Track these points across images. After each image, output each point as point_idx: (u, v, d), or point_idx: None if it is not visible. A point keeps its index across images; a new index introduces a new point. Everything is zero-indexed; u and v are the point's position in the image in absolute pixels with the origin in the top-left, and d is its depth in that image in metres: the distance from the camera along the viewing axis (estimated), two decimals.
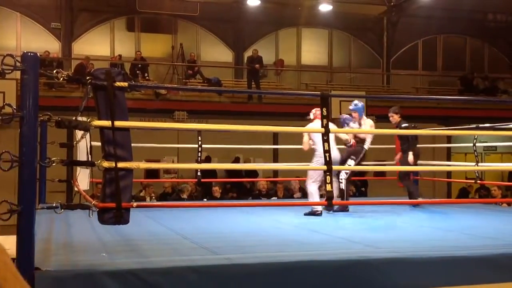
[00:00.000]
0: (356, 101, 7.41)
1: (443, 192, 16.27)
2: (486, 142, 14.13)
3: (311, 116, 7.05)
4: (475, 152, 8.17)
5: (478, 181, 9.82)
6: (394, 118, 7.93)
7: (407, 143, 7.73)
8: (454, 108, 16.50)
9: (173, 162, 14.48)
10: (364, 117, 7.44)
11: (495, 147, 18.72)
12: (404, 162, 7.65)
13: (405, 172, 7.98)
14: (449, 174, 14.78)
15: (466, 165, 9.90)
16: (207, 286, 3.46)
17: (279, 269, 3.60)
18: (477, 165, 8.32)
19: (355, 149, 7.25)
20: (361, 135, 7.28)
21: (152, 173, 14.03)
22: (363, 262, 3.76)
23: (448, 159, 15.16)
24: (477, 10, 19.16)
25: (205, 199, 10.28)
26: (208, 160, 13.87)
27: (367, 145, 7.31)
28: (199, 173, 8.71)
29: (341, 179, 7.13)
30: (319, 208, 6.68)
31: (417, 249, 4.15)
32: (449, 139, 15.97)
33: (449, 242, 4.65)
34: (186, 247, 4.33)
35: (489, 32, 19.92)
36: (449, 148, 15.55)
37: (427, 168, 9.87)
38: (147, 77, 15.89)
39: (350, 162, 7.21)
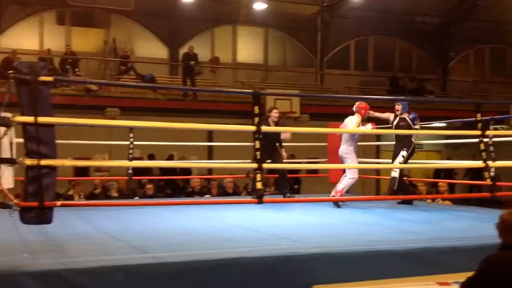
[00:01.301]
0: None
1: (372, 188, 16.74)
2: None
3: (354, 108, 7.69)
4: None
5: (405, 178, 10.16)
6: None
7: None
8: (383, 107, 16.97)
9: (104, 160, 14.16)
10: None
11: (421, 145, 19.44)
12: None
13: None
14: (377, 171, 15.26)
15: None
16: (134, 285, 3.42)
17: (207, 267, 3.61)
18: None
19: (405, 143, 7.60)
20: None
21: (81, 171, 13.66)
22: (291, 258, 3.82)
23: (377, 157, 15.61)
24: (407, 13, 19.82)
25: (137, 198, 10.12)
26: (152, 158, 13.74)
27: (413, 138, 7.69)
28: (130, 171, 8.56)
29: (393, 176, 7.57)
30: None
31: (343, 244, 4.26)
32: (378, 137, 16.42)
33: (375, 237, 4.79)
34: (114, 246, 4.25)
35: (417, 34, 20.65)
36: (378, 146, 15.99)
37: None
38: (77, 72, 15.44)
39: (403, 153, 7.56)
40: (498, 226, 3.38)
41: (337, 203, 7.40)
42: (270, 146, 8.21)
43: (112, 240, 4.57)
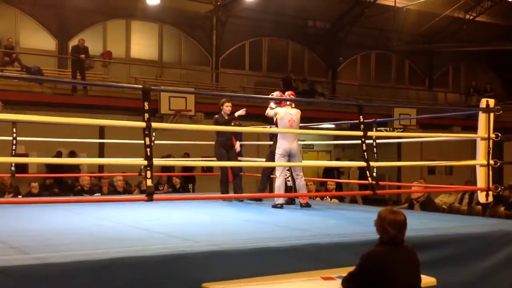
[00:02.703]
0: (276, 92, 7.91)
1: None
2: (304, 140, 15.11)
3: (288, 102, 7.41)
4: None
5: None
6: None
7: None
8: None
9: None
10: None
11: (312, 145, 20.17)
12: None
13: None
14: (271, 170, 15.58)
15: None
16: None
17: (93, 267, 3.49)
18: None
19: (275, 143, 7.47)
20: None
21: None
22: (180, 257, 3.80)
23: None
24: (299, 17, 20.44)
25: (20, 196, 9.60)
26: (59, 155, 13.17)
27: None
28: (13, 168, 8.08)
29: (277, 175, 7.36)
30: (280, 200, 7.21)
31: (233, 242, 4.31)
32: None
33: (263, 234, 4.90)
34: None
35: (309, 38, 21.35)
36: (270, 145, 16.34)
37: (251, 163, 10.28)
38: None
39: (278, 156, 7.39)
40: (376, 223, 3.58)
41: (308, 204, 7.30)
42: (226, 141, 8.05)
43: None
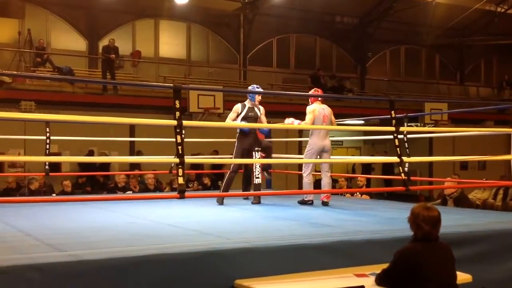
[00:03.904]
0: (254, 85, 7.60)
1: (295, 183, 17.05)
2: (333, 136, 14.99)
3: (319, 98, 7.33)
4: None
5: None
6: None
7: None
8: (304, 104, 17.31)
9: (19, 155, 13.55)
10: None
11: (341, 141, 20.05)
12: None
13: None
14: (300, 166, 15.55)
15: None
16: (51, 284, 3.30)
17: (128, 264, 3.53)
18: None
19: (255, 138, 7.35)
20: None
21: None
22: (213, 253, 3.82)
23: (300, 152, 15.90)
24: (327, 13, 20.32)
25: (54, 194, 9.77)
26: (91, 154, 13.40)
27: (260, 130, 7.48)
28: (47, 167, 8.22)
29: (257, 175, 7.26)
30: (311, 197, 7.12)
31: (264, 239, 4.30)
32: (300, 133, 16.74)
33: (295, 231, 4.88)
34: (28, 244, 4.08)
35: (337, 34, 21.20)
36: (300, 142, 16.31)
37: (280, 160, 10.28)
38: None
39: (257, 154, 7.30)
40: (409, 219, 3.54)
41: (326, 203, 7.05)
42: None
43: (27, 238, 4.38)
